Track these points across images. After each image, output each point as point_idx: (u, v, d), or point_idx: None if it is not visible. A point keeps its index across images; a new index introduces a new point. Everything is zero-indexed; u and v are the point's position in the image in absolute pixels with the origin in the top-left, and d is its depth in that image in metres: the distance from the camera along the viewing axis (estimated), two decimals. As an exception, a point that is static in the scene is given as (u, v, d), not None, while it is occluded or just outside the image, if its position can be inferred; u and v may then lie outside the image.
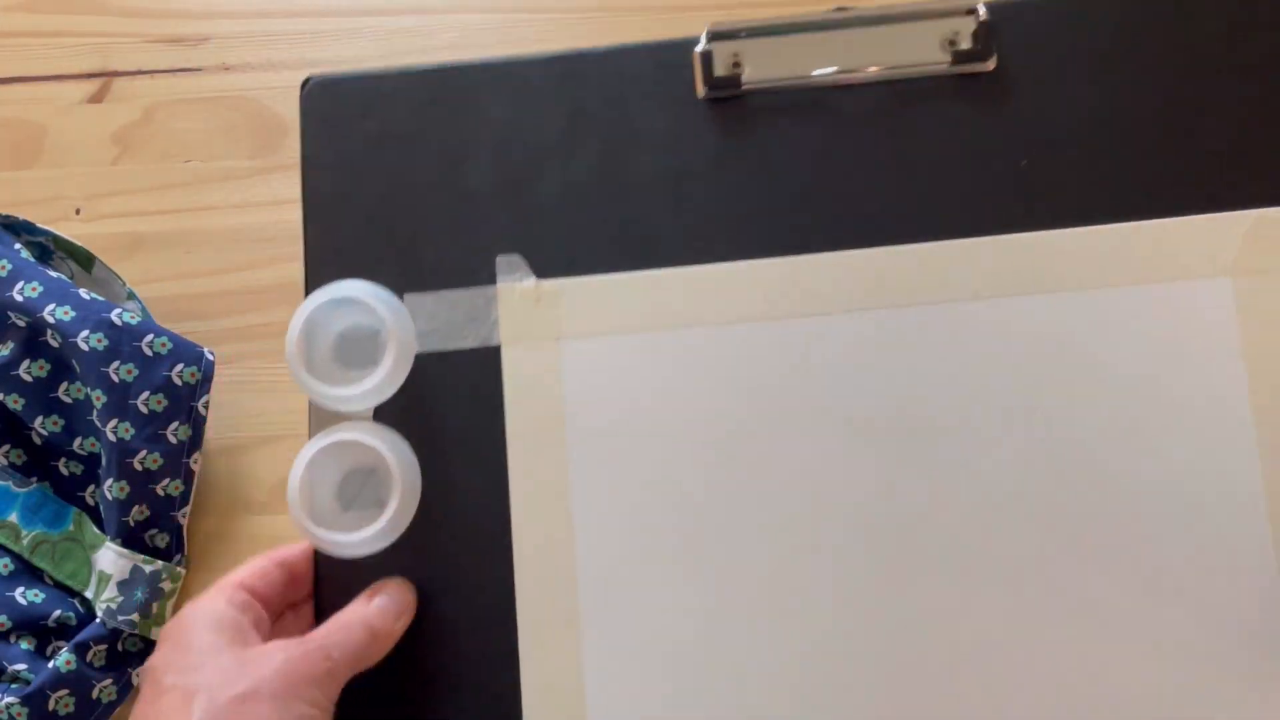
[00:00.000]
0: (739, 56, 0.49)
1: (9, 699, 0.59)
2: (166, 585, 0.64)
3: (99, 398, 0.63)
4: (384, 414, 0.47)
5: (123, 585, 0.62)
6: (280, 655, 0.40)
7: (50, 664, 0.60)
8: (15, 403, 0.64)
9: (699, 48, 0.49)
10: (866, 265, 0.46)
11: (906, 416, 0.45)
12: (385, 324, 0.45)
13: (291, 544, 0.46)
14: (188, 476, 0.65)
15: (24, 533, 0.63)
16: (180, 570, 0.65)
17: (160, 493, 0.64)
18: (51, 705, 0.60)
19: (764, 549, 0.45)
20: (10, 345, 0.64)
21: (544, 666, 0.44)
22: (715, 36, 0.49)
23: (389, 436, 0.45)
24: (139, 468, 0.63)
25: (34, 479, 0.65)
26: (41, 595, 0.63)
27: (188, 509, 0.66)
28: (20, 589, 0.63)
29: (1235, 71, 0.46)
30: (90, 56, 0.77)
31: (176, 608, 0.65)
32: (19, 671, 0.61)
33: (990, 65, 0.48)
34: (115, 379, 0.64)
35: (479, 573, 0.46)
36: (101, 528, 0.64)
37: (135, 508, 0.63)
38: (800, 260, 0.46)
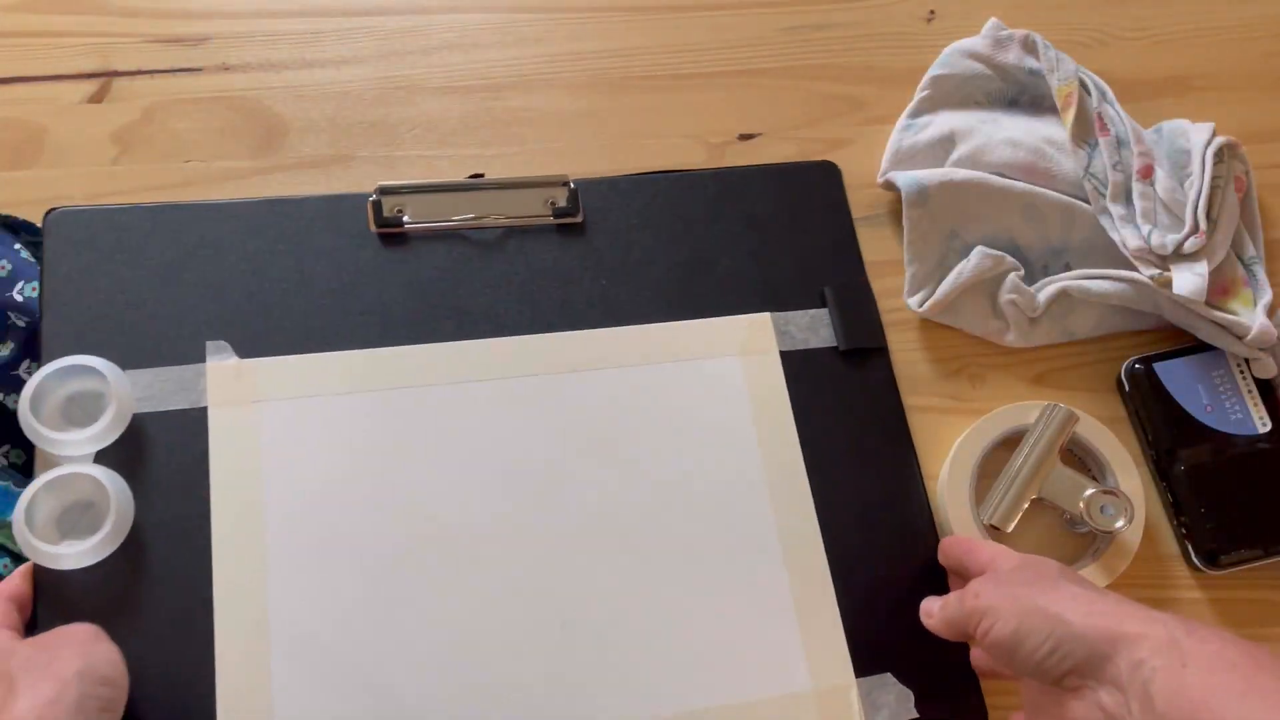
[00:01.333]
0: (402, 205, 0.68)
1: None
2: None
3: None
4: (107, 459, 0.59)
5: None
6: None
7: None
8: (15, 403, 0.65)
9: (371, 198, 0.67)
10: (489, 350, 0.65)
11: (521, 453, 0.63)
12: (107, 384, 0.58)
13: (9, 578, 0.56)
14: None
15: (25, 533, 0.63)
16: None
17: None
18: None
19: (419, 555, 0.60)
20: (10, 346, 0.65)
21: (236, 670, 0.56)
22: (383, 192, 0.67)
23: (106, 473, 0.57)
24: None
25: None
26: (42, 596, 0.63)
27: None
28: (21, 589, 0.63)
29: (737, 228, 0.71)
30: (90, 56, 0.77)
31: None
32: (20, 672, 0.61)
33: (579, 218, 0.70)
34: None
35: (182, 586, 0.57)
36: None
37: None
38: (440, 346, 0.65)
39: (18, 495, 0.64)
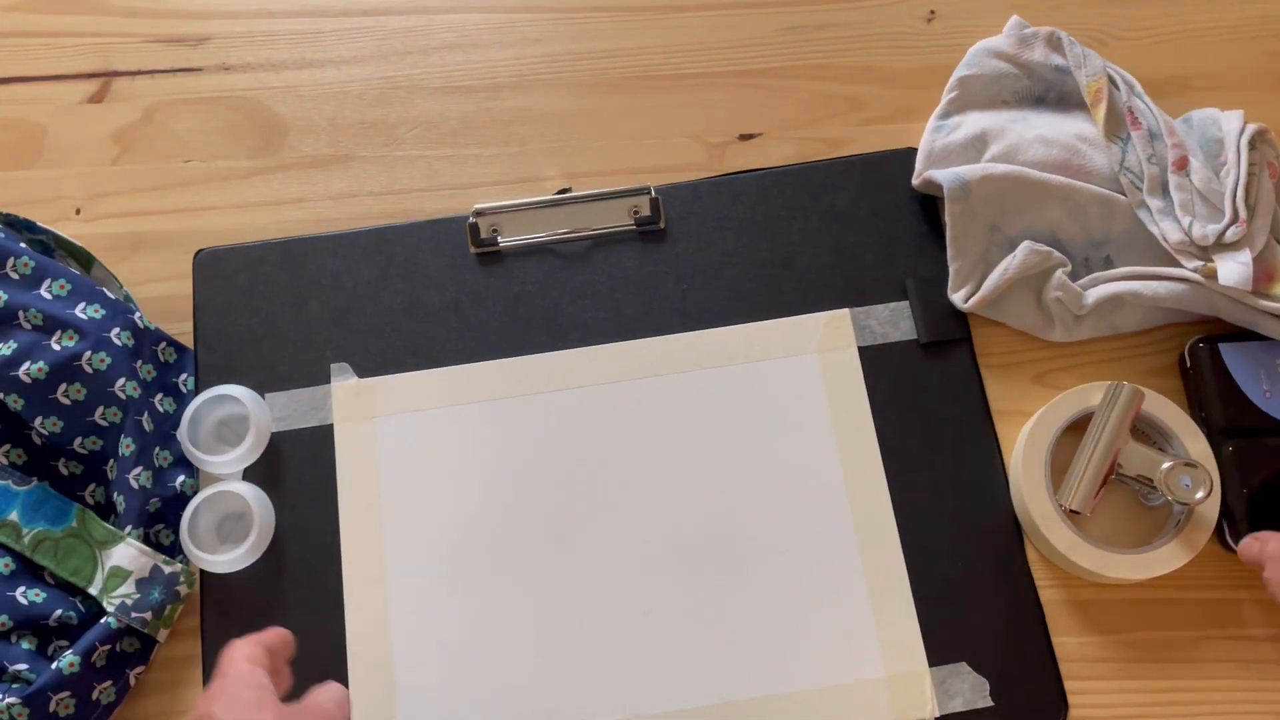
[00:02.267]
0: (497, 225, 0.73)
1: (10, 699, 0.60)
2: (182, 590, 0.65)
3: (135, 388, 0.66)
4: (253, 474, 0.68)
5: (141, 583, 0.63)
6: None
7: (53, 665, 0.61)
8: (15, 403, 0.65)
9: (469, 221, 0.72)
10: (578, 360, 0.70)
11: (608, 454, 0.69)
12: (249, 411, 0.67)
13: (268, 631, 0.57)
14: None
15: (25, 531, 0.64)
16: (195, 574, 0.66)
17: (175, 489, 0.67)
18: (52, 707, 0.61)
19: (517, 547, 0.67)
20: (13, 345, 0.65)
21: (363, 647, 0.65)
22: (479, 214, 0.73)
23: (251, 489, 0.66)
24: (156, 463, 0.66)
25: (34, 478, 0.66)
26: (42, 595, 0.63)
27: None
28: (21, 589, 0.63)
29: (817, 224, 0.74)
30: (90, 56, 0.78)
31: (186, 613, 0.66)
32: (20, 671, 0.61)
33: (661, 225, 0.73)
34: (141, 375, 0.67)
35: (317, 580, 0.66)
36: (111, 524, 0.65)
37: (152, 499, 0.65)
38: (533, 358, 0.70)
39: (17, 494, 0.64)
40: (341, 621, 0.65)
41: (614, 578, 0.66)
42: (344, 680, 0.64)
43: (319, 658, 0.64)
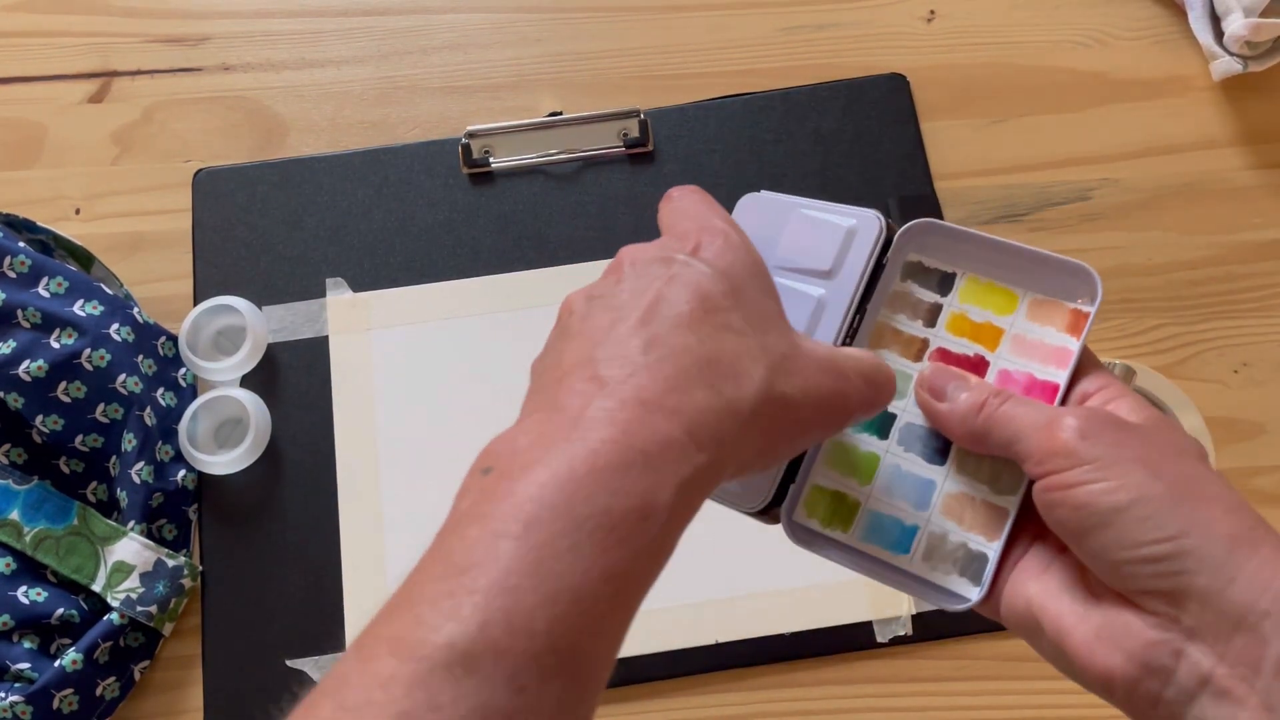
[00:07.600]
0: (489, 146, 0.77)
1: (13, 697, 0.61)
2: (186, 583, 0.67)
3: (136, 383, 0.68)
4: (251, 383, 0.72)
5: (145, 577, 0.65)
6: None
7: (56, 663, 0.62)
8: (15, 402, 0.67)
9: (462, 142, 0.76)
10: (569, 275, 0.73)
11: None
12: (246, 320, 0.71)
13: None
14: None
15: (26, 530, 0.65)
16: (199, 567, 0.68)
17: (177, 483, 0.69)
18: (56, 704, 0.62)
19: None
20: (12, 345, 0.67)
21: (357, 547, 0.68)
22: (471, 135, 0.77)
23: (248, 395, 0.70)
24: (159, 457, 0.68)
25: (34, 477, 0.67)
26: (44, 594, 0.65)
27: (196, 506, 0.70)
28: (23, 588, 0.65)
29: (803, 146, 0.77)
30: (90, 56, 0.80)
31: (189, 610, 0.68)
32: (22, 670, 0.63)
33: (649, 148, 0.77)
34: (142, 370, 0.68)
35: (313, 484, 0.70)
36: (112, 520, 0.67)
37: (155, 494, 0.67)
38: (523, 274, 0.74)
39: (18, 493, 0.66)
40: (336, 524, 0.69)
41: None
42: (338, 580, 0.67)
43: (314, 553, 0.68)
